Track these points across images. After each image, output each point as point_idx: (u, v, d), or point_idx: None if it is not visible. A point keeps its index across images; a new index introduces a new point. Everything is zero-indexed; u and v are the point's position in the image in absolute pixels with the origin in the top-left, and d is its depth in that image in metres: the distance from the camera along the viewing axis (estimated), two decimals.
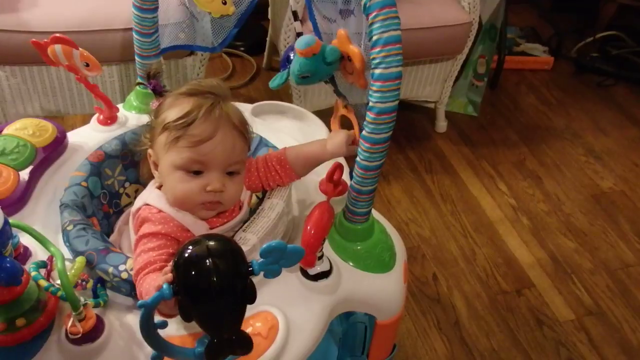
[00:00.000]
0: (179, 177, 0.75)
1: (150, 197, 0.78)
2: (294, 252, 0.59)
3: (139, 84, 1.02)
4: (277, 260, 0.58)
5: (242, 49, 2.29)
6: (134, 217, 0.79)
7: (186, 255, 0.56)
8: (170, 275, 0.57)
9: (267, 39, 2.16)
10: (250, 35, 2.31)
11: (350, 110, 0.85)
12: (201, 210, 0.77)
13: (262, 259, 0.58)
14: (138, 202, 0.80)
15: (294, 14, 0.87)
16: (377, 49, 0.68)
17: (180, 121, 0.73)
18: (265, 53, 2.22)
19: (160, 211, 0.76)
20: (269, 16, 2.04)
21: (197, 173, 0.75)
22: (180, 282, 0.56)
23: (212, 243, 0.57)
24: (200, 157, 0.74)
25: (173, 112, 0.75)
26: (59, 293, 0.65)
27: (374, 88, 0.70)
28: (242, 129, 0.77)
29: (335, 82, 0.84)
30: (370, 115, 0.71)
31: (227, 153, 0.75)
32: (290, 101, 1.72)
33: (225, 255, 0.56)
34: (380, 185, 1.77)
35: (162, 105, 0.78)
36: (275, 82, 0.82)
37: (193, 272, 0.55)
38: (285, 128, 1.07)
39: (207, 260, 0.55)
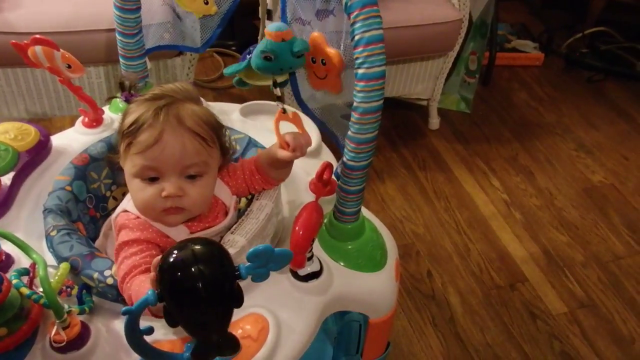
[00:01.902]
0: (137, 186, 0.74)
1: (129, 204, 0.77)
2: (281, 255, 0.58)
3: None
4: (264, 263, 0.57)
5: (233, 48, 2.28)
6: (114, 224, 0.78)
7: (171, 260, 0.54)
8: (153, 274, 0.56)
9: (259, 37, 2.15)
10: (242, 35, 2.30)
11: (285, 116, 0.83)
12: (165, 217, 0.75)
13: (249, 263, 0.57)
14: (118, 209, 0.79)
15: (268, 12, 0.86)
16: (360, 49, 0.67)
17: (130, 128, 0.72)
18: None
19: (137, 217, 0.75)
20: (260, 15, 2.03)
21: (153, 180, 0.73)
22: (165, 288, 0.54)
23: (197, 247, 0.55)
24: (150, 163, 0.72)
25: (128, 119, 0.74)
26: (42, 301, 0.63)
27: (358, 88, 0.69)
28: (199, 130, 0.73)
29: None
30: (354, 115, 0.71)
31: (176, 156, 0.72)
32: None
33: (211, 260, 0.55)
34: (374, 183, 1.77)
35: (125, 113, 0.76)
36: (230, 69, 0.79)
37: (178, 278, 0.54)
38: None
39: (193, 265, 0.53)
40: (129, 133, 0.72)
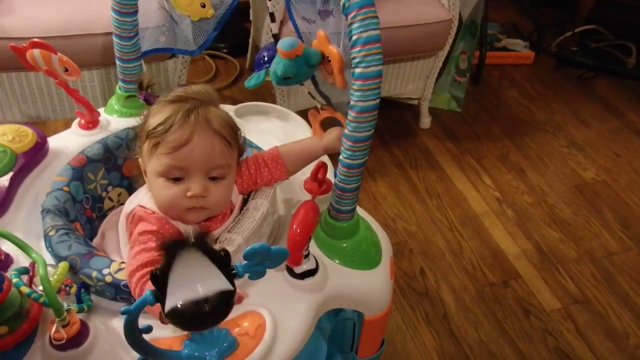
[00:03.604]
0: (161, 184, 0.75)
1: (144, 199, 0.79)
2: (278, 254, 0.59)
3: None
4: (261, 262, 0.58)
5: (225, 50, 2.29)
6: (127, 218, 0.79)
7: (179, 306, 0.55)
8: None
9: (250, 40, 2.16)
10: (233, 37, 2.30)
11: (330, 110, 0.86)
12: (188, 214, 0.77)
13: (245, 262, 0.58)
14: (131, 203, 0.80)
15: (271, 15, 0.87)
16: (357, 48, 0.68)
17: (159, 128, 0.74)
18: (248, 54, 2.21)
19: (154, 213, 0.77)
20: (251, 18, 2.04)
21: (178, 179, 0.75)
22: (169, 308, 0.55)
23: None
24: (178, 163, 0.74)
25: (155, 119, 0.76)
26: (42, 299, 0.64)
27: (355, 87, 0.70)
28: (225, 133, 0.76)
29: (316, 82, 0.85)
30: (351, 114, 0.72)
31: (205, 157, 0.74)
32: (274, 101, 1.72)
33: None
34: (366, 182, 1.77)
35: (148, 113, 0.79)
36: (251, 81, 0.82)
37: (185, 317, 0.55)
38: (269, 129, 1.07)
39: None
40: (156, 133, 0.74)
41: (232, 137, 0.78)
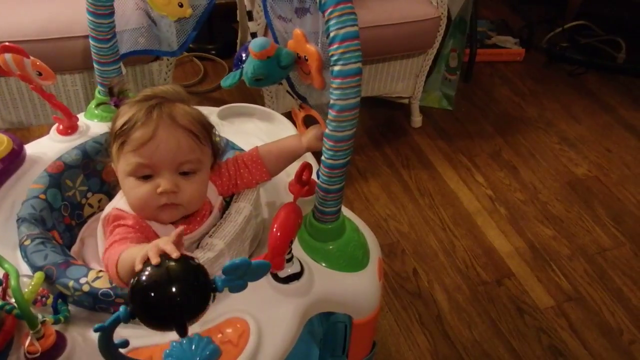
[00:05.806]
0: (131, 184, 0.74)
1: (120, 202, 0.78)
2: (259, 268, 0.57)
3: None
4: (241, 276, 0.57)
5: (213, 52, 2.27)
6: (105, 220, 0.77)
7: (144, 278, 0.54)
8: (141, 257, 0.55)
9: (238, 41, 2.14)
10: (221, 38, 2.29)
11: (307, 108, 0.84)
12: (161, 213, 0.75)
13: (225, 276, 0.56)
14: (107, 208, 0.79)
15: (249, 14, 0.86)
16: (335, 46, 0.67)
17: (124, 127, 0.73)
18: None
19: (129, 214, 0.76)
20: (238, 18, 2.02)
21: (147, 177, 0.74)
22: (137, 306, 0.53)
23: (172, 264, 0.54)
24: (145, 160, 0.73)
25: (121, 120, 0.75)
26: (15, 311, 0.62)
27: (334, 85, 0.69)
28: (192, 128, 0.75)
29: (292, 83, 0.83)
30: (331, 113, 0.70)
31: (172, 152, 0.73)
32: (264, 102, 1.70)
33: (186, 279, 0.54)
34: (358, 182, 1.76)
35: (117, 116, 0.78)
36: (227, 81, 0.81)
37: (152, 296, 0.53)
38: (253, 130, 1.06)
39: (167, 286, 0.53)
40: (122, 132, 0.73)
41: (201, 132, 0.76)
